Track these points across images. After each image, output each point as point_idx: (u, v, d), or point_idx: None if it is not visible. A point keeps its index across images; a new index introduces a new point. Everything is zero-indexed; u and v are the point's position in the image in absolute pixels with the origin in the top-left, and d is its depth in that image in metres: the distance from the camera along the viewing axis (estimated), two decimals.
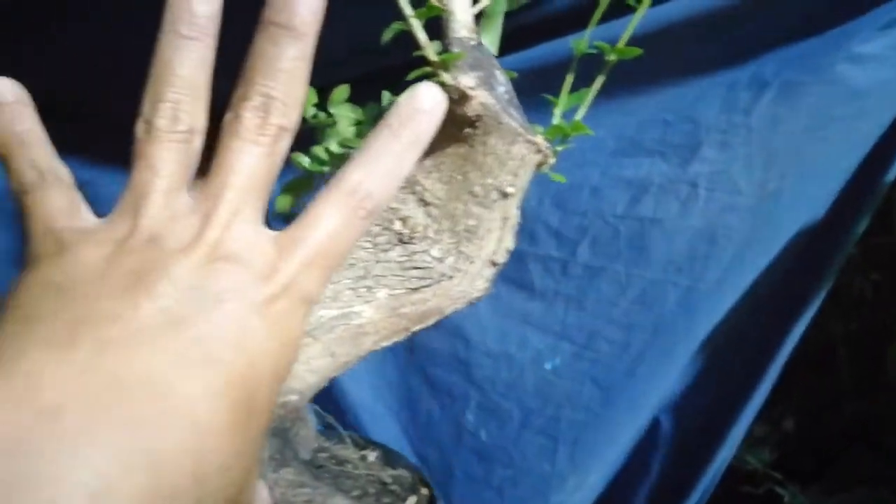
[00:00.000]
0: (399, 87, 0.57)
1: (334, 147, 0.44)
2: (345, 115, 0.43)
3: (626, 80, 0.64)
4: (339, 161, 0.44)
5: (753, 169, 0.64)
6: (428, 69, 0.31)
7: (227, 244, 0.24)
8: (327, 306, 0.33)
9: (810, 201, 0.65)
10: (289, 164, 0.44)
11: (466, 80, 0.31)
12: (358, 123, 0.44)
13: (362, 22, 0.56)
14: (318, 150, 0.44)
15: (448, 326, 0.75)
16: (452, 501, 0.74)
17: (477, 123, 0.32)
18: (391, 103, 0.44)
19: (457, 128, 0.33)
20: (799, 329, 0.66)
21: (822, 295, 0.66)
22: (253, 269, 0.23)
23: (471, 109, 0.31)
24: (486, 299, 0.73)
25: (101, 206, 0.79)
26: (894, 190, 0.70)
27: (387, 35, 0.30)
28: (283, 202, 0.46)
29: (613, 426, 0.71)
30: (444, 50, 0.32)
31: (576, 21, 0.61)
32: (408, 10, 0.30)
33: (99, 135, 0.69)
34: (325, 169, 0.45)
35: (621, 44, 0.39)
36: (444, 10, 0.31)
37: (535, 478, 0.72)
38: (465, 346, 0.74)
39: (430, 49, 0.31)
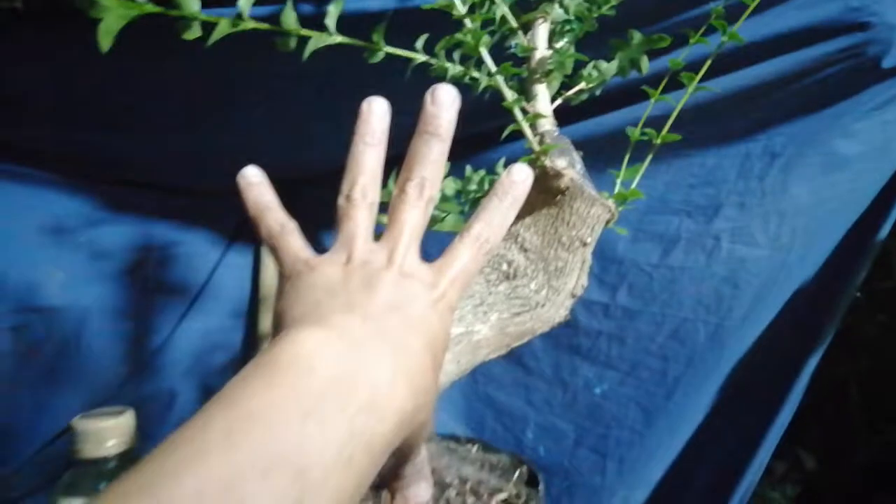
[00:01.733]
0: (479, 154, 0.66)
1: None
2: (449, 186, 0.54)
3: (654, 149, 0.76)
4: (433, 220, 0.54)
5: (768, 225, 0.73)
6: (532, 156, 0.42)
7: (407, 266, 0.35)
8: (455, 326, 0.43)
9: (818, 252, 0.73)
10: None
11: (560, 163, 0.41)
12: (458, 192, 0.55)
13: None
14: None
15: (509, 356, 0.83)
16: None
17: (566, 192, 0.42)
18: (484, 175, 0.54)
19: (550, 195, 0.43)
20: (814, 360, 0.73)
21: (832, 330, 0.73)
22: (424, 282, 0.35)
23: (563, 183, 0.41)
24: (539, 336, 0.82)
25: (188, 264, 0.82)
26: (893, 240, 0.79)
27: (506, 132, 0.41)
28: None
29: (655, 445, 0.77)
30: (541, 140, 0.43)
31: (615, 102, 0.73)
32: (520, 117, 0.41)
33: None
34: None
35: (664, 131, 0.49)
36: (544, 116, 0.42)
37: (588, 490, 0.79)
38: (525, 373, 0.83)
39: (535, 142, 0.41)
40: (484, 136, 0.70)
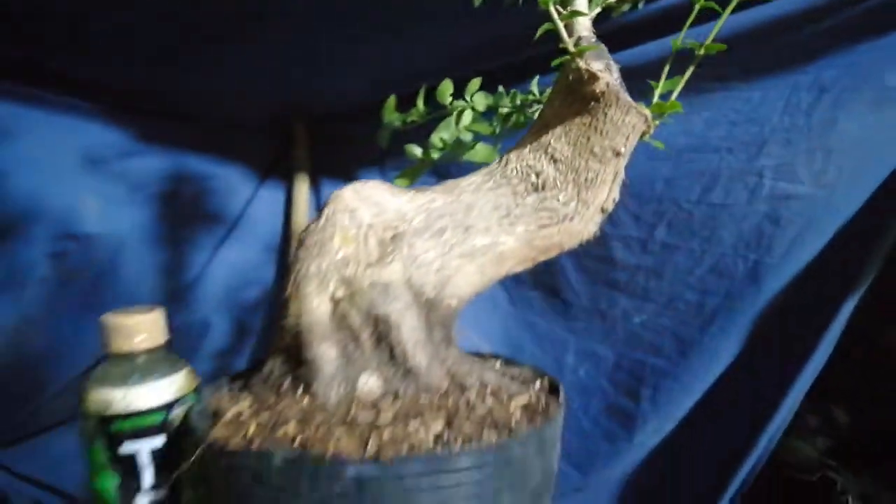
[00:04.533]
0: (513, 80, 0.64)
1: (446, 136, 0.52)
2: (479, 101, 0.52)
3: (692, 82, 0.72)
4: (450, 149, 0.53)
5: (813, 163, 0.70)
6: (567, 57, 0.40)
7: None
8: (481, 236, 0.42)
9: (863, 191, 0.70)
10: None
11: (596, 65, 0.39)
12: (489, 108, 0.53)
13: (488, 27, 0.65)
14: (434, 139, 0.51)
15: (545, 287, 0.83)
16: None
17: (601, 98, 0.40)
18: (516, 93, 0.53)
19: (584, 102, 0.41)
20: (850, 304, 0.70)
21: (872, 273, 0.69)
22: None
23: (598, 87, 0.39)
24: (575, 270, 0.80)
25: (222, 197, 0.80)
26: None
27: (540, 32, 0.39)
28: (401, 184, 0.52)
29: (688, 376, 0.76)
30: (577, 43, 0.41)
31: (660, 27, 0.66)
32: (555, 14, 0.39)
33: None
34: (436, 156, 0.53)
35: (708, 41, 0.47)
36: (577, 13, 0.40)
37: (623, 415, 0.79)
38: (564, 305, 0.82)
39: (570, 42, 0.39)
40: (521, 67, 0.68)
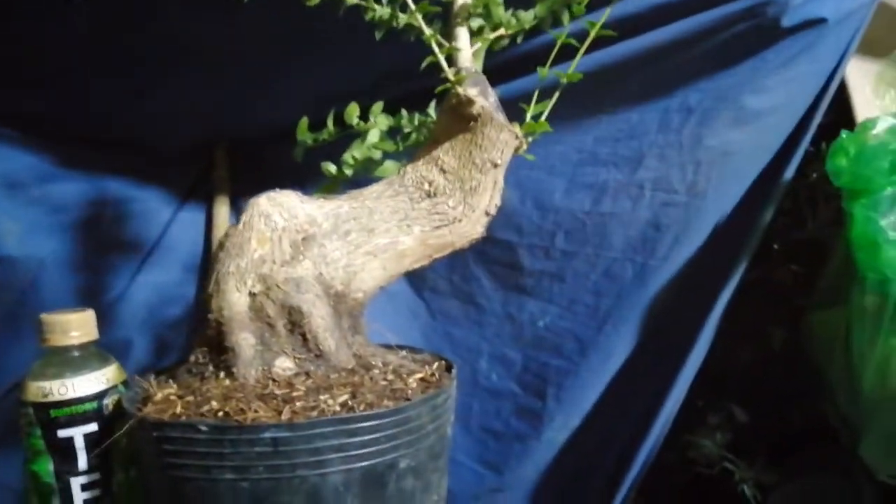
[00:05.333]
0: (417, 104, 0.72)
1: (358, 154, 0.60)
2: (381, 121, 0.60)
3: (583, 106, 0.80)
4: (361, 166, 0.60)
5: (685, 174, 0.79)
6: (448, 85, 0.49)
7: None
8: (382, 236, 0.50)
9: (729, 197, 0.80)
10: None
11: (472, 91, 0.48)
12: (390, 128, 0.61)
13: (393, 58, 0.70)
14: (346, 157, 0.59)
15: (463, 296, 0.90)
16: (472, 430, 0.89)
17: (478, 119, 0.49)
18: (418, 115, 0.61)
19: (465, 122, 0.49)
20: (725, 296, 0.80)
21: (742, 268, 0.80)
22: None
23: (474, 109, 0.48)
24: (489, 277, 0.89)
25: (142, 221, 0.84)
26: (805, 193, 0.88)
27: (424, 64, 0.48)
28: None
29: (588, 373, 0.85)
30: (457, 73, 0.50)
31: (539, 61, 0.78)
32: (436, 49, 0.47)
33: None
34: (349, 172, 0.61)
35: (569, 72, 0.56)
36: (456, 49, 0.49)
37: (531, 414, 0.86)
38: (478, 311, 0.89)
39: (450, 72, 0.48)
40: (423, 93, 0.77)
